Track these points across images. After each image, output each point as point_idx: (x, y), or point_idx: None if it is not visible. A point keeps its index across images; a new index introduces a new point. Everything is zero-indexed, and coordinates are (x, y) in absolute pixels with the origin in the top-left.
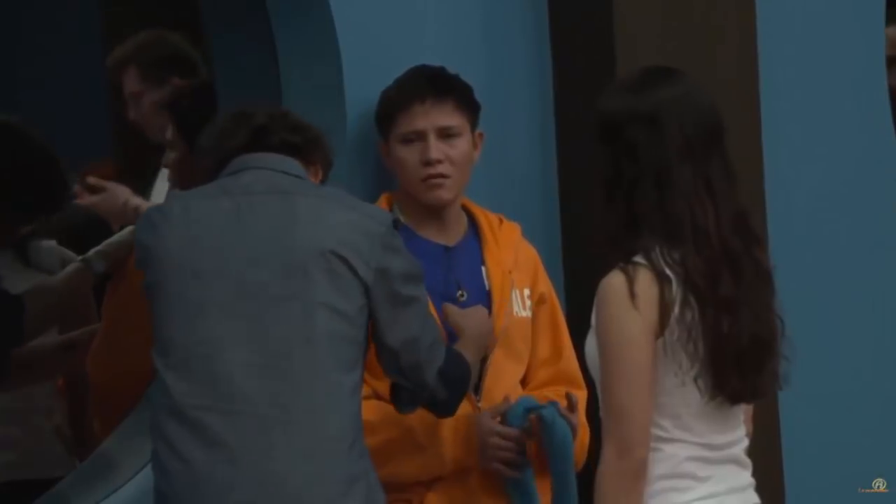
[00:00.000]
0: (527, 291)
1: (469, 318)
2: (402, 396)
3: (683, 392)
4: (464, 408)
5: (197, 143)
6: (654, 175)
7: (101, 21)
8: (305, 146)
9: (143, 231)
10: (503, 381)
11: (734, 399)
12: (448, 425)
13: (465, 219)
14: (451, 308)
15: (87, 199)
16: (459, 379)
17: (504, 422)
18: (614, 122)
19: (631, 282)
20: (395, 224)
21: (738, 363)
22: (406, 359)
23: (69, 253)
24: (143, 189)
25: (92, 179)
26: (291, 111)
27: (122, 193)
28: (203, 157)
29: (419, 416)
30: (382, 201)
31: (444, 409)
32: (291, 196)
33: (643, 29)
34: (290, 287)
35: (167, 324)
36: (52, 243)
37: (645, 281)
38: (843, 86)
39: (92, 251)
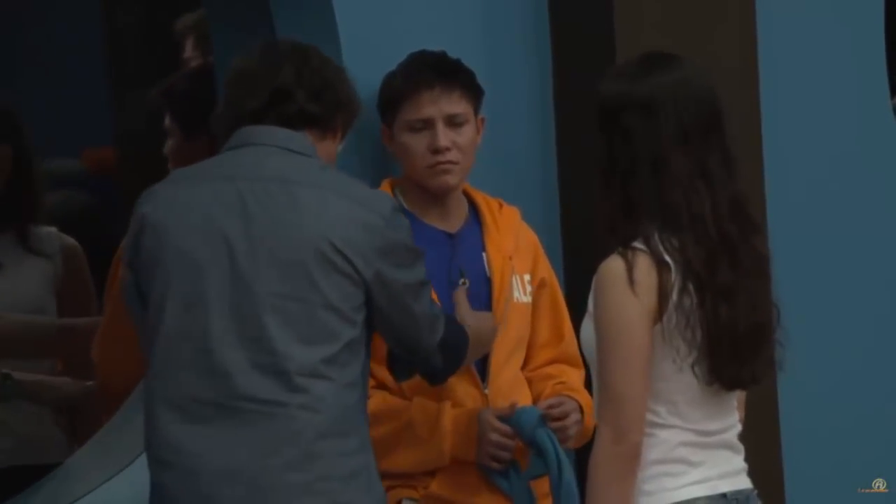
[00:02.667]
0: (527, 277)
1: (475, 319)
2: (399, 367)
3: (680, 378)
4: (471, 396)
5: (222, 87)
6: (649, 163)
7: (100, 6)
8: (324, 116)
9: (139, 234)
10: (507, 368)
11: (731, 386)
12: (449, 419)
13: (465, 204)
14: (462, 301)
15: None
16: (457, 348)
17: (516, 427)
18: (610, 107)
19: (630, 267)
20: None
21: (736, 350)
22: (406, 340)
23: (69, 239)
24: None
25: None
26: (321, 61)
27: None
28: (218, 111)
29: (420, 409)
30: (385, 187)
31: (439, 378)
32: (291, 185)
33: (643, 12)
34: (289, 284)
35: (163, 316)
36: (53, 230)
37: (644, 267)
38: (843, 66)
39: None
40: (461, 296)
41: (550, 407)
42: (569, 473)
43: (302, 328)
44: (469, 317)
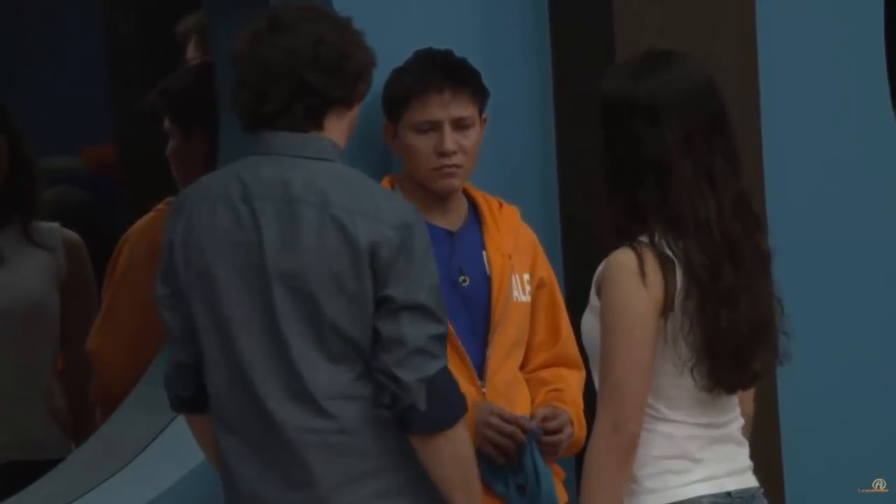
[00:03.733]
0: (526, 276)
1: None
2: (381, 397)
3: (680, 379)
4: (469, 394)
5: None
6: (654, 168)
7: (100, 5)
8: (346, 95)
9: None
10: (505, 367)
11: (731, 390)
12: None
13: (465, 203)
14: None
15: None
16: (445, 397)
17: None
18: (614, 110)
19: (641, 260)
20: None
21: (737, 355)
22: (384, 358)
23: (71, 233)
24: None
25: None
26: (334, 28)
27: None
28: (234, 108)
29: None
30: (385, 184)
31: (418, 423)
32: (308, 207)
33: (642, 13)
34: (302, 310)
35: (200, 339)
36: (55, 224)
37: (652, 262)
38: (842, 65)
39: None
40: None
41: (545, 419)
42: (547, 484)
43: (325, 353)
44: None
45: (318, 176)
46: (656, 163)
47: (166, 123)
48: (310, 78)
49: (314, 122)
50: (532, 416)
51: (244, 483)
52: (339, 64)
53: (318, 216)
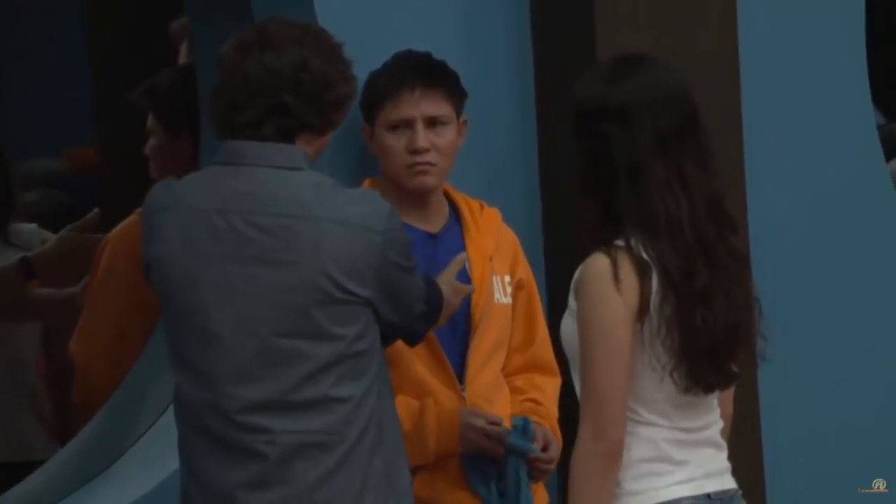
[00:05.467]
0: (507, 278)
1: (450, 290)
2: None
3: (661, 384)
4: (448, 398)
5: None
6: (627, 171)
7: (82, 6)
8: (321, 122)
9: (145, 244)
10: (486, 370)
11: (709, 390)
12: (432, 414)
13: (446, 205)
14: (454, 270)
15: None
16: (436, 309)
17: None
18: (586, 114)
19: (615, 265)
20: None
21: (713, 355)
22: (403, 327)
23: (49, 235)
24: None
25: None
26: (321, 53)
27: None
28: (213, 118)
29: (404, 405)
30: (366, 187)
31: (418, 339)
32: (284, 219)
33: (624, 13)
34: (291, 321)
35: (182, 348)
36: (34, 226)
37: (626, 266)
38: (823, 64)
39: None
40: (456, 265)
41: (545, 447)
42: (526, 500)
43: (310, 365)
44: (446, 286)
45: (289, 185)
46: (629, 165)
47: (149, 122)
48: (288, 101)
49: (284, 140)
50: (510, 424)
51: (216, 482)
52: (319, 93)
53: (291, 225)
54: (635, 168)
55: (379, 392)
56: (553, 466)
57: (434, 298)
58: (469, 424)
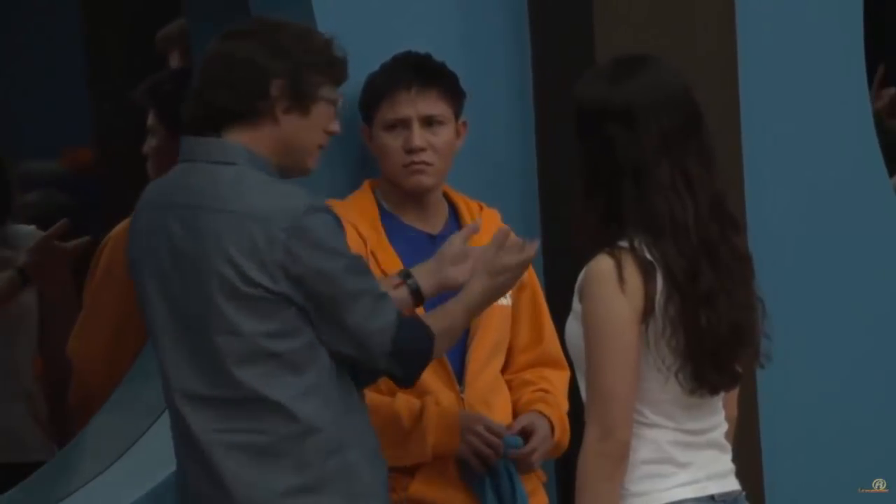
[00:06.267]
0: None
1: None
2: (359, 375)
3: (665, 384)
4: (448, 399)
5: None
6: (631, 172)
7: (79, 7)
8: (241, 110)
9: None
10: (485, 372)
11: (714, 391)
12: (433, 413)
13: (446, 207)
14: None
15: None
16: (417, 353)
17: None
18: (589, 115)
19: (620, 266)
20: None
21: (717, 356)
22: (345, 351)
23: None
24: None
25: None
26: (262, 39)
27: None
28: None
29: (405, 403)
30: (365, 188)
31: (403, 383)
32: (201, 211)
33: (623, 13)
34: (206, 316)
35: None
36: (32, 228)
37: (631, 267)
38: (822, 64)
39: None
40: (502, 236)
41: (525, 432)
42: (520, 491)
43: (232, 359)
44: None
45: (214, 180)
46: (633, 166)
47: (150, 121)
48: (200, 89)
49: (212, 130)
50: (510, 426)
51: (186, 481)
52: (231, 79)
53: (203, 217)
54: (639, 168)
55: (326, 399)
56: (533, 455)
57: (406, 342)
58: (470, 429)
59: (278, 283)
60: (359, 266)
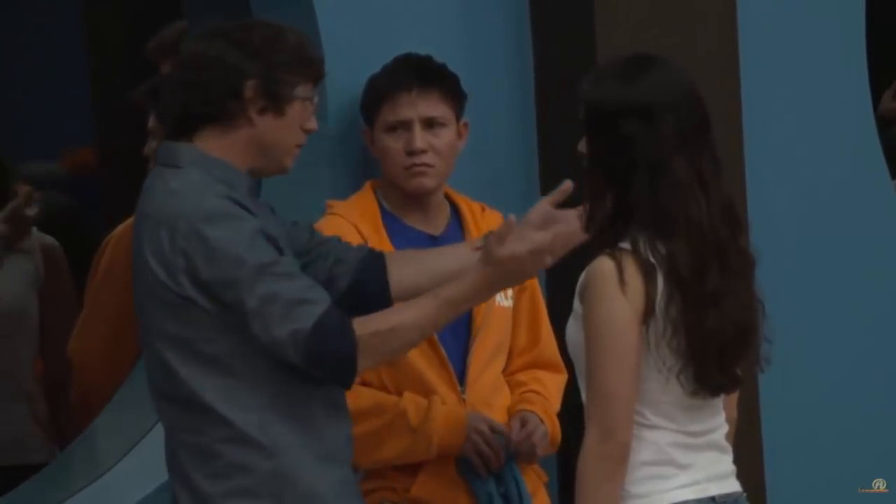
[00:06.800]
0: None
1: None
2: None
3: (665, 385)
4: (449, 400)
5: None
6: (648, 168)
7: (80, 7)
8: (214, 113)
9: None
10: (486, 373)
11: (715, 393)
12: (440, 411)
13: (448, 208)
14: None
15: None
16: (334, 357)
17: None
18: (606, 113)
19: (620, 268)
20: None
21: (721, 357)
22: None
23: (48, 238)
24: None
25: None
26: (230, 39)
27: None
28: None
29: (412, 400)
30: (367, 189)
31: (340, 386)
32: (138, 217)
33: (624, 13)
34: (146, 319)
35: None
36: (32, 228)
37: (631, 268)
38: (823, 64)
39: None
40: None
41: (521, 425)
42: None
43: (158, 360)
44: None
45: (157, 183)
46: (651, 164)
47: (151, 123)
48: (176, 93)
49: (184, 135)
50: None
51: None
52: (203, 80)
53: (137, 221)
54: (656, 166)
55: (260, 403)
56: (535, 438)
57: (320, 347)
58: (475, 428)
59: (185, 289)
60: (271, 269)
